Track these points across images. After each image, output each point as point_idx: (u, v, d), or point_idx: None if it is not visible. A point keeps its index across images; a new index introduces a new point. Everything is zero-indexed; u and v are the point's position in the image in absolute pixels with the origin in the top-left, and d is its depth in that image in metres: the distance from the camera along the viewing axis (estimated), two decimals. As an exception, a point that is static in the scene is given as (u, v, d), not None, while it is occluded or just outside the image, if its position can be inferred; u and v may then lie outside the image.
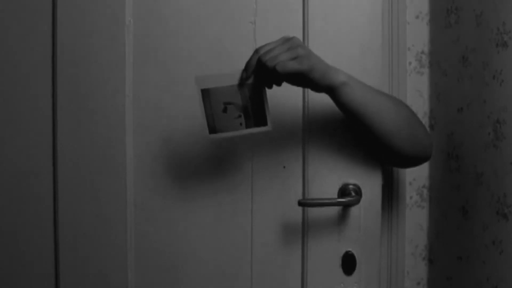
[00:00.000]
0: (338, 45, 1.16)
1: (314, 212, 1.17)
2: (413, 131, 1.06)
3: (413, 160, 1.11)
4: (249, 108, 1.00)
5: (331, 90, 0.99)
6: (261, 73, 0.97)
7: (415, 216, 1.41)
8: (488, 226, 1.11)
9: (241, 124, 1.01)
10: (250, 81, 0.99)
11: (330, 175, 1.17)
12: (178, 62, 1.18)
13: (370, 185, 1.17)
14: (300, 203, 1.11)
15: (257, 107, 1.00)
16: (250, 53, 1.16)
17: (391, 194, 1.37)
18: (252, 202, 1.18)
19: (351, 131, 1.14)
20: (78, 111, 1.16)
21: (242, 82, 0.99)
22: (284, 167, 1.18)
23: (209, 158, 1.18)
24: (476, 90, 1.16)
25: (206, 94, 0.99)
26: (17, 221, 1.17)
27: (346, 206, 1.16)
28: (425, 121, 1.39)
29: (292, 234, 1.19)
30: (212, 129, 1.01)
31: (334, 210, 1.17)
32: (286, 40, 0.98)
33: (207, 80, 0.99)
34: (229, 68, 1.17)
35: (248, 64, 0.98)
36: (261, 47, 0.98)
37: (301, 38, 1.17)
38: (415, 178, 1.41)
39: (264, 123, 1.02)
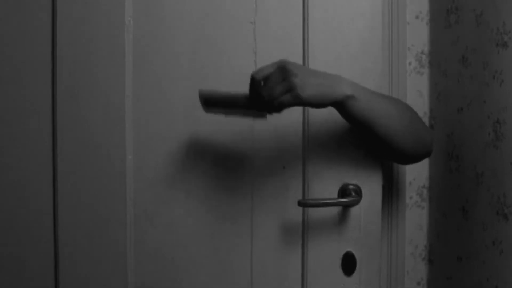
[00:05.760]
0: (338, 45, 1.16)
1: (314, 212, 1.17)
2: (416, 131, 1.06)
3: (416, 157, 1.12)
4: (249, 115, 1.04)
5: (335, 105, 0.99)
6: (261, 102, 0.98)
7: (415, 216, 1.41)
8: (488, 226, 1.11)
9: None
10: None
11: (330, 175, 1.17)
12: (178, 62, 1.17)
13: (370, 185, 1.16)
14: (300, 203, 1.11)
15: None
16: (250, 54, 1.18)
17: (391, 194, 1.37)
18: (252, 202, 1.18)
19: (351, 131, 1.14)
20: (77, 111, 1.16)
21: (245, 108, 1.01)
22: (284, 167, 1.18)
23: (209, 158, 1.18)
24: (476, 90, 1.16)
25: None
26: (17, 221, 1.17)
27: (346, 207, 1.16)
28: (425, 121, 1.39)
29: (292, 234, 1.19)
30: (207, 103, 1.04)
31: (334, 210, 1.17)
32: (281, 67, 0.96)
33: (210, 94, 1.03)
34: (228, 69, 1.18)
35: (250, 93, 0.98)
36: (256, 73, 0.97)
37: (301, 38, 1.17)
38: (415, 178, 1.41)
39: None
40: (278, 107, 0.97)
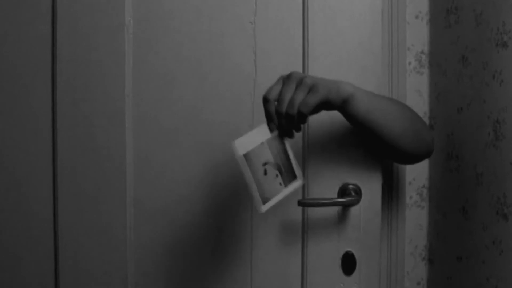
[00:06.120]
0: (338, 45, 1.16)
1: (314, 212, 1.17)
2: (416, 131, 1.06)
3: (417, 157, 1.12)
4: (280, 163, 0.96)
5: (341, 104, 0.98)
6: (282, 123, 0.94)
7: (415, 216, 1.41)
8: (488, 226, 1.11)
9: (280, 184, 0.96)
10: (275, 133, 0.96)
11: (330, 175, 1.17)
12: (178, 62, 1.18)
13: (370, 185, 1.17)
14: (300, 203, 1.11)
15: (286, 161, 0.97)
16: (250, 54, 1.18)
17: (391, 194, 1.37)
18: (252, 202, 1.18)
19: (351, 131, 1.14)
20: (77, 111, 1.16)
21: (274, 136, 0.95)
22: (284, 167, 1.18)
23: (209, 157, 1.18)
24: (476, 90, 1.16)
25: (247, 159, 0.93)
26: (17, 221, 1.17)
27: (346, 206, 1.16)
28: (424, 121, 1.39)
29: (292, 234, 1.19)
30: (263, 199, 0.94)
31: (334, 210, 1.17)
32: (288, 78, 0.94)
33: (243, 142, 0.93)
34: (228, 68, 1.18)
35: (270, 115, 0.94)
36: (268, 93, 0.94)
37: (300, 38, 1.17)
38: (415, 178, 1.41)
39: (294, 177, 0.98)
40: (304, 115, 0.93)
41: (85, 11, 1.16)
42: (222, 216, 1.19)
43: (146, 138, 1.18)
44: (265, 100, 0.95)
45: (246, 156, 0.93)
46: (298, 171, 0.99)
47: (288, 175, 0.97)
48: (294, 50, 1.17)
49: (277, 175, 0.96)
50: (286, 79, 0.95)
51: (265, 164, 0.95)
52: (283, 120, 0.94)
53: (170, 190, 1.18)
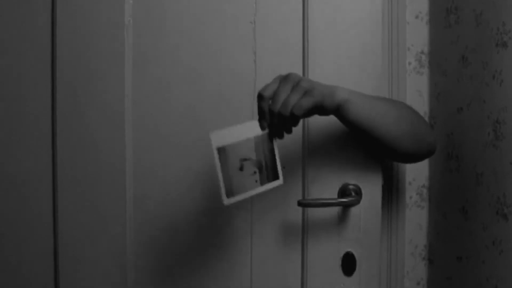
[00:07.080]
0: (338, 46, 1.16)
1: (314, 212, 1.17)
2: (417, 131, 1.06)
3: (419, 157, 1.12)
4: (263, 162, 0.96)
5: (335, 110, 0.98)
6: (274, 122, 0.94)
7: (415, 216, 1.41)
8: (488, 226, 1.11)
9: (256, 181, 0.95)
10: (265, 131, 0.95)
11: (330, 175, 1.17)
12: (177, 62, 1.18)
13: (370, 185, 1.17)
14: (300, 203, 1.11)
15: (271, 160, 0.97)
16: (250, 54, 1.18)
17: (391, 194, 1.37)
18: (252, 202, 1.18)
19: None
20: (77, 111, 1.16)
21: (262, 133, 0.95)
22: (284, 167, 1.17)
23: (209, 157, 1.18)
24: (475, 90, 1.16)
25: (222, 152, 0.92)
26: (16, 221, 1.17)
27: (346, 206, 1.16)
28: (426, 120, 1.39)
29: (292, 234, 1.19)
30: (229, 192, 0.93)
31: (334, 210, 1.17)
32: (285, 79, 0.94)
33: (222, 135, 0.92)
34: (228, 68, 1.18)
35: (262, 113, 0.94)
36: (263, 90, 0.94)
37: (300, 38, 1.17)
38: (415, 178, 1.41)
39: (276, 176, 0.98)
40: (296, 117, 0.94)
41: (85, 11, 1.16)
42: (222, 216, 1.19)
43: (145, 138, 1.18)
44: (260, 97, 0.94)
45: (221, 149, 0.92)
46: (280, 171, 0.98)
47: (270, 174, 0.97)
48: (294, 50, 1.17)
49: (255, 172, 0.95)
50: (283, 79, 0.95)
51: (244, 159, 0.94)
52: (275, 119, 0.94)
53: (170, 190, 1.18)
